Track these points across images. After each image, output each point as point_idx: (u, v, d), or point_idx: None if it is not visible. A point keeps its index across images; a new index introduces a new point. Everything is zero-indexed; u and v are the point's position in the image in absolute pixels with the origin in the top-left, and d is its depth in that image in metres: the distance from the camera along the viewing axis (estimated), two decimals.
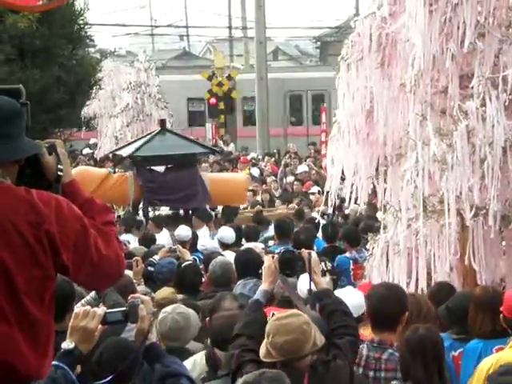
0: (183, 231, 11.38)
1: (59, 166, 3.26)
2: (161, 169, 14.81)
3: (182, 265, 8.39)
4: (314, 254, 5.30)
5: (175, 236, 11.44)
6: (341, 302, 5.17)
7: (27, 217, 3.00)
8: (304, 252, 5.26)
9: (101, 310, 3.69)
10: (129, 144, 16.02)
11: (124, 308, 3.90)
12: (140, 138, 15.95)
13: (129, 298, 4.12)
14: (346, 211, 13.93)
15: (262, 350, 4.61)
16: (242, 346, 4.81)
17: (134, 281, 7.81)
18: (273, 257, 5.24)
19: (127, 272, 6.95)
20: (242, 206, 15.24)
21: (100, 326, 3.73)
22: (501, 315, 5.66)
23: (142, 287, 7.94)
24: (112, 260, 3.20)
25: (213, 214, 14.04)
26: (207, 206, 14.40)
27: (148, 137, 15.26)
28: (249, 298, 6.79)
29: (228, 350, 4.97)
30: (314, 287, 5.19)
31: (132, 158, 14.59)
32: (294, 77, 37.61)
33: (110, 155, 23.31)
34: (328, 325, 4.90)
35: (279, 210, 15.28)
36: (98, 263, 3.14)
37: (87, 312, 3.63)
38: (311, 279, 5.20)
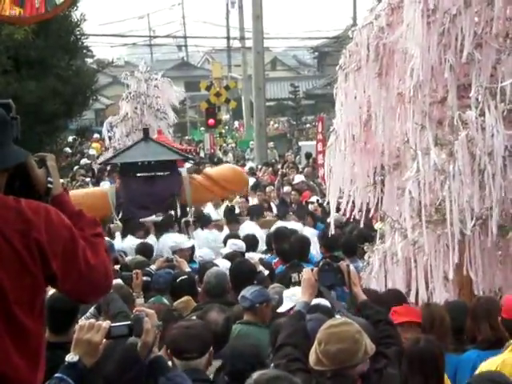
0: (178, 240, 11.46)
1: (49, 179, 3.25)
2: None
3: (177, 279, 8.34)
4: (352, 267, 5.34)
5: (172, 246, 11.45)
6: (383, 312, 5.20)
7: (16, 225, 2.99)
8: (343, 264, 5.30)
9: (105, 323, 3.65)
10: (121, 152, 16.07)
11: (129, 322, 3.86)
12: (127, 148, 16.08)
13: (134, 311, 4.11)
14: (328, 220, 14.04)
15: (312, 358, 4.56)
16: (287, 356, 4.83)
17: (134, 294, 7.79)
18: (312, 269, 5.32)
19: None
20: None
21: (104, 340, 3.69)
22: (499, 319, 5.63)
23: (141, 300, 7.91)
24: (100, 271, 3.18)
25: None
26: None
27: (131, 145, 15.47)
28: (249, 301, 6.86)
29: (184, 360, 4.93)
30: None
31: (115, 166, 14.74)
32: None
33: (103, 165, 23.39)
34: None
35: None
36: (85, 273, 3.12)
37: (92, 325, 3.59)
38: (351, 291, 5.24)
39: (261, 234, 12.70)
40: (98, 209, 13.22)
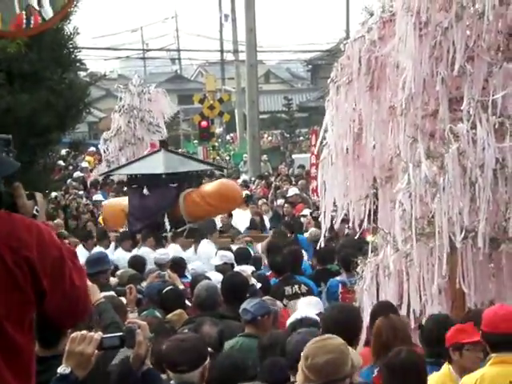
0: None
1: (36, 208, 3.34)
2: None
3: (164, 290, 8.34)
4: None
5: (155, 259, 11.49)
6: None
7: (7, 241, 3.02)
8: None
9: (97, 334, 3.64)
10: (124, 166, 16.16)
11: (121, 333, 3.86)
12: (137, 159, 16.16)
13: (126, 322, 4.09)
14: (306, 234, 14.10)
15: (300, 378, 4.54)
16: None
17: (128, 309, 7.77)
18: None
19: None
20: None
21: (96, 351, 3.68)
22: (480, 333, 5.62)
23: (134, 315, 7.88)
24: (82, 294, 3.24)
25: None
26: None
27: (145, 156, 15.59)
28: (251, 314, 6.87)
29: (177, 373, 4.92)
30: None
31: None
32: None
33: (100, 178, 23.35)
34: None
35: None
36: (69, 293, 3.16)
37: (84, 337, 3.58)
38: None
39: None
40: None
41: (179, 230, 14.11)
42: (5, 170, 3.16)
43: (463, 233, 6.91)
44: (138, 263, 11.15)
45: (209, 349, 5.26)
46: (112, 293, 7.66)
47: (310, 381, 4.45)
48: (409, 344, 5.79)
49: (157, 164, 14.75)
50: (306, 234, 14.25)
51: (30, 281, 3.04)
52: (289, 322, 7.01)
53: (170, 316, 7.56)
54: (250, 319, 6.94)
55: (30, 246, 3.04)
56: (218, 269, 10.12)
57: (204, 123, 34.66)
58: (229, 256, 10.85)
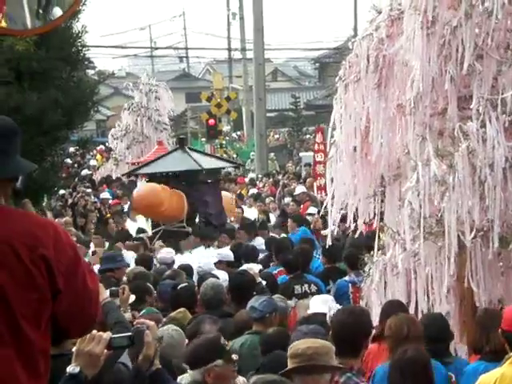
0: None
1: None
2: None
3: (178, 287, 8.35)
4: None
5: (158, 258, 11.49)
6: None
7: (25, 239, 3.03)
8: None
9: (106, 334, 3.65)
10: (147, 164, 16.22)
11: (130, 333, 3.86)
12: (159, 158, 16.22)
13: (135, 322, 4.10)
14: (323, 232, 14.06)
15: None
16: None
17: (122, 309, 7.77)
18: None
19: None
20: None
21: (105, 350, 3.69)
22: (499, 330, 5.61)
23: (128, 314, 7.88)
24: (93, 297, 3.24)
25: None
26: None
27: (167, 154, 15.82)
28: (259, 311, 6.90)
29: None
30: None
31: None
32: None
33: (117, 176, 23.36)
34: None
35: None
36: (81, 294, 3.17)
37: (93, 336, 3.59)
38: None
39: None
40: None
41: (153, 232, 14.23)
42: (20, 170, 3.18)
43: (474, 232, 6.90)
44: (145, 261, 11.14)
45: None
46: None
47: (292, 364, 4.53)
48: (422, 341, 5.81)
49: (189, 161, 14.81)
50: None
51: (47, 279, 3.05)
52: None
53: (173, 314, 7.58)
54: (258, 317, 6.97)
55: (46, 245, 3.06)
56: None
57: (211, 121, 34.65)
58: (223, 254, 10.92)
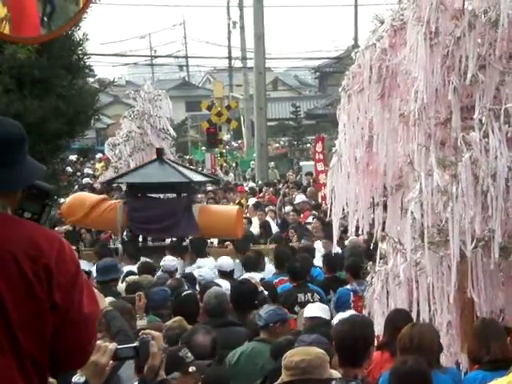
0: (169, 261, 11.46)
1: None
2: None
3: (182, 294, 8.34)
4: None
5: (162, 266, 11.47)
6: None
7: (28, 250, 2.98)
8: None
9: (112, 345, 3.65)
10: (128, 173, 16.14)
11: (135, 344, 3.86)
12: (139, 167, 16.13)
13: (140, 333, 4.09)
14: (346, 242, 13.82)
15: (281, 378, 4.59)
16: None
17: (137, 315, 7.77)
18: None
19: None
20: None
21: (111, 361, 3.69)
22: (508, 339, 5.62)
23: (143, 321, 7.88)
24: (88, 322, 3.12)
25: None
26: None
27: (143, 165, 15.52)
28: (263, 320, 6.91)
29: None
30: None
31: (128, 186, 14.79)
32: None
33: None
34: None
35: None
36: (73, 317, 3.07)
37: (99, 347, 3.58)
38: None
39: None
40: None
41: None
42: (27, 180, 3.12)
43: (475, 242, 6.90)
44: (146, 269, 11.14)
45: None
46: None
47: (286, 377, 4.52)
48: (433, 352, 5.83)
49: (166, 172, 14.70)
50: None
51: (46, 291, 3.00)
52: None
53: (169, 323, 7.55)
54: (262, 325, 7.01)
55: (49, 256, 3.01)
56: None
57: (212, 130, 34.71)
58: (221, 264, 10.94)
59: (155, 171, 14.61)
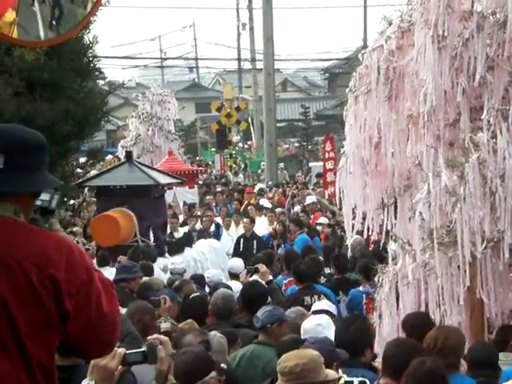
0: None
1: None
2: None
3: (190, 296, 8.34)
4: None
5: (170, 269, 11.49)
6: None
7: (34, 258, 2.96)
8: None
9: (121, 349, 3.66)
10: (97, 175, 15.92)
11: (143, 349, 3.87)
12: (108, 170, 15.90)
13: (148, 338, 4.11)
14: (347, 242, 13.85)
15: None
16: None
17: (162, 318, 7.76)
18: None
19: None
20: None
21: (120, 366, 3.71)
22: None
23: (168, 324, 7.87)
24: (109, 322, 3.13)
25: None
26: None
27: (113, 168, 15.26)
28: (260, 322, 6.90)
29: None
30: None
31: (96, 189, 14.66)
32: None
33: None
34: None
35: None
36: (95, 319, 3.07)
37: None
38: None
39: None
40: None
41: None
42: (43, 185, 3.14)
43: (484, 243, 6.89)
44: (145, 270, 11.09)
45: None
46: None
47: (283, 382, 4.52)
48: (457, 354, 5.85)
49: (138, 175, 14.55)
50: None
51: (54, 301, 2.97)
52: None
53: (181, 325, 7.57)
54: (260, 327, 6.99)
55: (57, 265, 2.98)
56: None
57: (221, 131, 34.75)
58: (232, 266, 11.01)
59: (123, 174, 14.42)
